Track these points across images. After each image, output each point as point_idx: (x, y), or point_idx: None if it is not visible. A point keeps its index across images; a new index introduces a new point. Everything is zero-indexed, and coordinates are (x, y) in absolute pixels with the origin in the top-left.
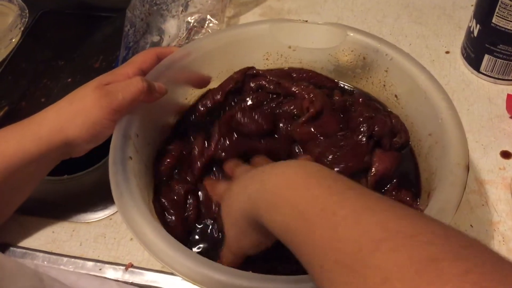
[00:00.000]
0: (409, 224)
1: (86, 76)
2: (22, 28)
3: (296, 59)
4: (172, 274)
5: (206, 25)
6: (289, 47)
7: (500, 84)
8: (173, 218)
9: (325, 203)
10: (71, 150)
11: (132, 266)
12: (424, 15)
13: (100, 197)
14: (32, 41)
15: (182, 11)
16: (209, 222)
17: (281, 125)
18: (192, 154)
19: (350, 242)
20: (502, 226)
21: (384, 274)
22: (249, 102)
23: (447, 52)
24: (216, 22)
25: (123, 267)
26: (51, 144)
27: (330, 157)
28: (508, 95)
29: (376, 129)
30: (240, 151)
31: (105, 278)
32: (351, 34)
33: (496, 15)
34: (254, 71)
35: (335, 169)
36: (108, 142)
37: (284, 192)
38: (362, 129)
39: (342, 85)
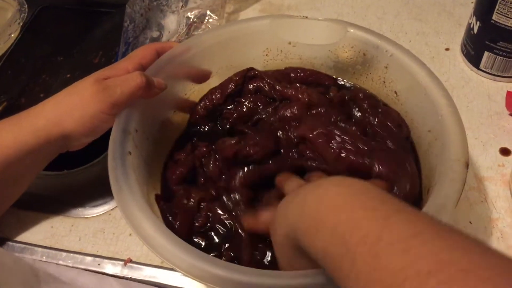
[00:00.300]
0: (463, 255)
1: (85, 71)
2: (21, 23)
3: (296, 55)
4: (171, 269)
5: (206, 20)
6: (289, 43)
7: (500, 81)
8: (179, 222)
9: (369, 227)
10: (68, 143)
11: (131, 261)
12: (424, 12)
13: (99, 192)
14: (31, 36)
15: (182, 6)
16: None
17: (279, 133)
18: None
19: (394, 273)
20: (501, 223)
21: None
22: (246, 107)
23: (447, 49)
24: (216, 17)
25: (122, 262)
26: (48, 137)
27: (336, 140)
28: (508, 92)
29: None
30: (251, 181)
31: (104, 274)
32: (351, 30)
33: (496, 12)
34: (253, 72)
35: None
36: (107, 137)
37: (323, 215)
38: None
39: (341, 82)
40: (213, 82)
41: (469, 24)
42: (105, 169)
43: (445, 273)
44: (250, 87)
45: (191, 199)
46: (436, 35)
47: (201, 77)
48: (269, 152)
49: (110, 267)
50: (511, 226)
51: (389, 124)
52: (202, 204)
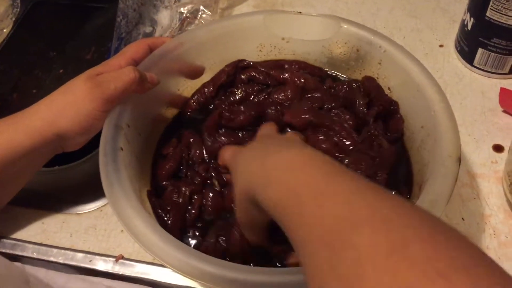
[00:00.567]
0: (390, 207)
1: (78, 67)
2: (13, 19)
3: (290, 50)
4: (163, 266)
5: (199, 16)
6: (283, 38)
7: (493, 78)
8: (172, 218)
9: (319, 183)
10: (64, 144)
11: (122, 258)
12: (418, 8)
13: (91, 188)
14: (23, 31)
15: (175, 1)
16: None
17: (269, 111)
18: (192, 158)
19: (334, 220)
20: (494, 219)
21: (357, 254)
22: (238, 96)
23: (441, 46)
24: (209, 13)
25: (114, 259)
26: (43, 137)
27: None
28: (501, 88)
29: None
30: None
31: (95, 270)
32: (345, 26)
33: (490, 9)
34: (245, 63)
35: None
36: (100, 134)
37: (281, 172)
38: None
39: (336, 76)
40: (206, 78)
41: (463, 20)
42: (97, 165)
43: (374, 222)
44: (242, 77)
45: (182, 194)
46: (430, 31)
47: (195, 73)
48: (252, 118)
49: (102, 264)
50: (503, 223)
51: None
52: (193, 197)
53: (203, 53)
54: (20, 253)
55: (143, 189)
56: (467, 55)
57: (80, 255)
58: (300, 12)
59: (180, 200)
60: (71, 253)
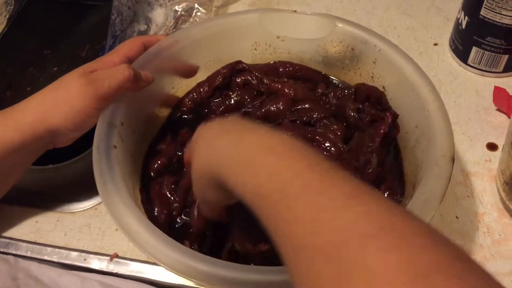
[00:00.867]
0: (400, 221)
1: (72, 65)
2: (7, 16)
3: (285, 49)
4: (157, 264)
5: (193, 14)
6: (278, 37)
7: (488, 77)
8: (161, 212)
9: (310, 178)
10: (55, 140)
11: (117, 256)
12: (413, 7)
13: (85, 186)
14: (18, 29)
15: None
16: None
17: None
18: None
19: (336, 231)
20: (487, 217)
21: (371, 276)
22: (234, 100)
23: (436, 44)
24: (204, 11)
25: (108, 258)
26: (34, 133)
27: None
28: (495, 87)
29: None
30: None
31: (90, 269)
32: (340, 25)
33: (484, 7)
34: (241, 66)
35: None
36: (93, 131)
37: (262, 156)
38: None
39: (330, 79)
40: (201, 76)
41: (458, 19)
42: (91, 164)
43: (385, 238)
44: (238, 80)
45: (165, 185)
46: (425, 30)
47: (189, 71)
48: None
49: (96, 262)
50: (497, 221)
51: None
52: (176, 186)
53: (198, 51)
54: (14, 252)
55: (136, 187)
56: (461, 54)
57: (74, 253)
58: (295, 11)
59: (164, 191)
60: (65, 251)
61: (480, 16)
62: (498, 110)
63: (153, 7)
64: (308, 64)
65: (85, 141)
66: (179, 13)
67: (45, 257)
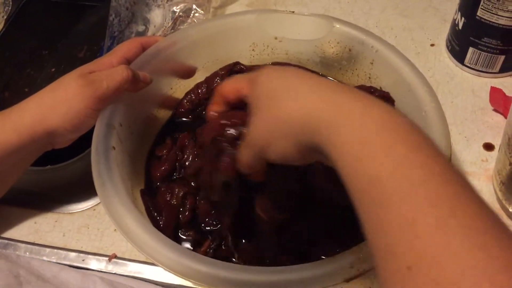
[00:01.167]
0: (504, 251)
1: (70, 65)
2: (5, 17)
3: (282, 50)
4: (156, 265)
5: (192, 14)
6: (276, 38)
7: (484, 77)
8: (165, 219)
9: (440, 190)
10: (53, 141)
11: (115, 257)
12: (410, 7)
13: (83, 187)
14: (15, 30)
15: (167, 0)
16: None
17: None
18: (185, 162)
19: (456, 273)
20: None
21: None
22: None
23: (432, 45)
24: (202, 12)
25: (107, 258)
26: (33, 134)
27: None
28: (492, 87)
29: None
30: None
31: (88, 269)
32: (337, 26)
33: (481, 8)
34: (239, 67)
35: None
36: (92, 132)
37: (391, 142)
38: None
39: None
40: (199, 77)
41: (454, 20)
42: (89, 164)
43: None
44: None
45: (175, 195)
46: (422, 30)
47: (187, 72)
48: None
49: (95, 263)
50: None
51: None
52: (186, 199)
53: (196, 52)
54: (12, 253)
55: (135, 188)
56: (458, 54)
57: (73, 254)
58: (293, 12)
59: (174, 202)
60: (64, 252)
61: (477, 17)
62: (495, 110)
63: (151, 8)
64: (305, 65)
65: (83, 142)
66: (177, 14)
67: (44, 258)
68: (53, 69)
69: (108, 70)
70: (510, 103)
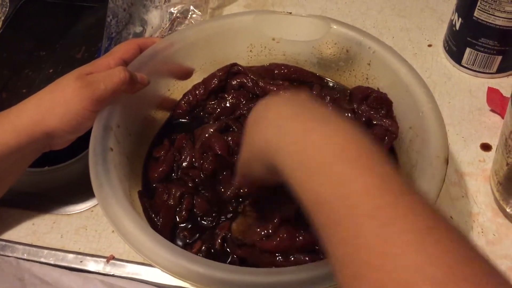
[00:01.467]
0: (477, 272)
1: (68, 66)
2: (2, 18)
3: (280, 51)
4: (154, 266)
5: (189, 16)
6: (273, 39)
7: (481, 77)
8: (162, 220)
9: (381, 203)
10: (51, 142)
11: (113, 258)
12: (407, 8)
13: (81, 189)
14: (13, 31)
15: (165, 1)
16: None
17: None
18: (182, 163)
19: (400, 270)
20: (481, 217)
21: None
22: (229, 102)
23: (430, 45)
24: (200, 13)
25: (105, 259)
26: (30, 136)
27: None
28: (489, 88)
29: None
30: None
31: (86, 271)
32: (335, 27)
33: (478, 9)
34: (237, 68)
35: None
36: (90, 133)
37: (330, 160)
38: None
39: (325, 80)
40: (197, 78)
41: (451, 20)
42: (87, 166)
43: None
44: (233, 83)
45: (172, 195)
46: (419, 31)
47: (184, 74)
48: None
49: (93, 265)
50: (491, 221)
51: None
52: (183, 199)
53: (193, 53)
54: (10, 254)
55: (133, 190)
56: (455, 55)
57: (71, 256)
58: (290, 13)
59: (171, 202)
60: (62, 254)
61: (474, 18)
62: (492, 110)
63: (148, 9)
64: (303, 66)
65: (81, 143)
66: (174, 15)
67: (42, 259)
68: (51, 70)
69: (105, 71)
70: (507, 104)
